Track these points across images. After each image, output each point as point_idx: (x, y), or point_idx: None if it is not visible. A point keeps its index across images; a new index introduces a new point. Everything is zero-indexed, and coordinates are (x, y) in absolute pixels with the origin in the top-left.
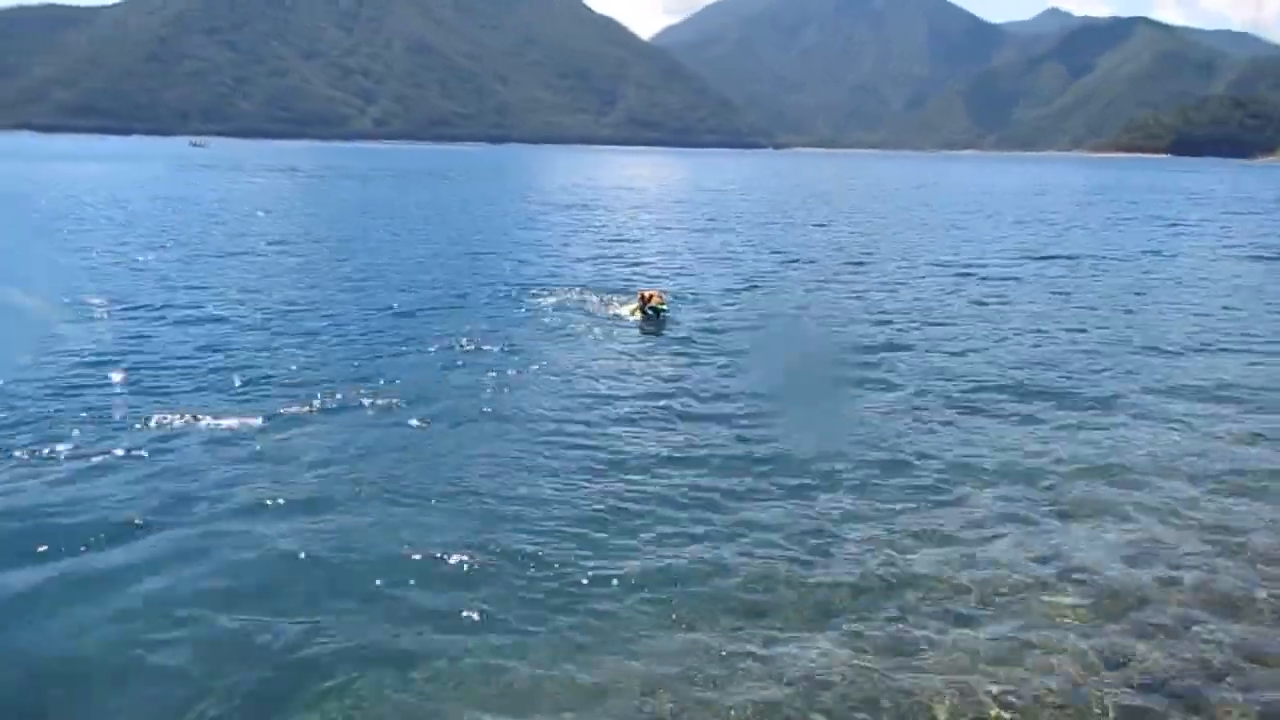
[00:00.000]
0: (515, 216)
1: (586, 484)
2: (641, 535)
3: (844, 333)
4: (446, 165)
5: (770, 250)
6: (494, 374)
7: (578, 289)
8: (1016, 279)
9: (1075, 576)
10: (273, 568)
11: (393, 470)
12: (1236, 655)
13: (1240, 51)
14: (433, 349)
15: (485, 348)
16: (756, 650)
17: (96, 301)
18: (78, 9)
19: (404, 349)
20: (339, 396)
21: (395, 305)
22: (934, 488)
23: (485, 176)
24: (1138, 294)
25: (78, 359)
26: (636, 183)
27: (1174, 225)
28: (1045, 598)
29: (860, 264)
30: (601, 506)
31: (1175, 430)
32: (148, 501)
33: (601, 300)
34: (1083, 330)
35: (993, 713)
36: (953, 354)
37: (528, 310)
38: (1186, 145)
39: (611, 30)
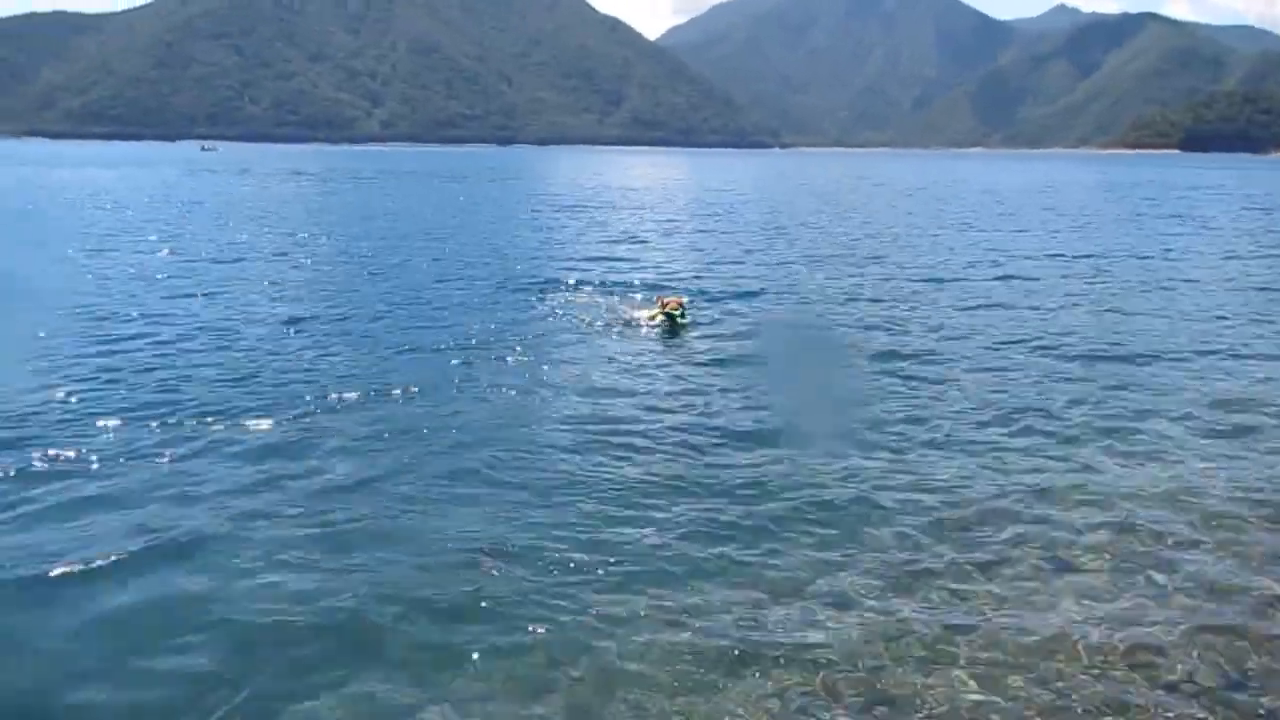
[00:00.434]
0: (532, 217)
1: (603, 483)
2: (647, 537)
3: (863, 339)
4: (461, 168)
5: (778, 250)
6: (516, 379)
7: (598, 291)
8: (1038, 277)
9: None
10: (273, 567)
11: (400, 471)
12: None
13: (1251, 46)
14: (449, 352)
15: (505, 353)
16: (762, 649)
17: (113, 304)
18: (87, 16)
19: (418, 350)
20: (348, 398)
21: (418, 302)
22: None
23: (502, 177)
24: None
25: (91, 359)
26: (642, 182)
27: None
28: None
29: (877, 259)
30: (614, 508)
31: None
32: (155, 501)
33: (622, 303)
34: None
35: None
36: (978, 370)
37: (547, 311)
38: (1196, 141)
39: (616, 31)
